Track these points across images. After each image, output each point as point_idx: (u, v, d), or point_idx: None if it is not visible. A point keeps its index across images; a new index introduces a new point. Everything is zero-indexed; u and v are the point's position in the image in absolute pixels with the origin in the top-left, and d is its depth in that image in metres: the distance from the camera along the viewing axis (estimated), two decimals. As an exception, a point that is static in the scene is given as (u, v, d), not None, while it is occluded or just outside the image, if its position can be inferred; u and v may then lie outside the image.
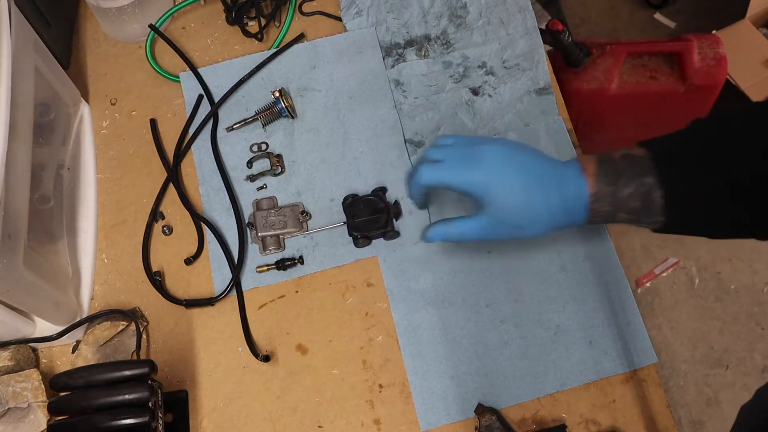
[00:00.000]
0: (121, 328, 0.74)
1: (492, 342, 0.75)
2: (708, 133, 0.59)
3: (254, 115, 0.85)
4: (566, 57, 1.31)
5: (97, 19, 0.91)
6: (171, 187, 0.82)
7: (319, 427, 0.72)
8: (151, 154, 0.85)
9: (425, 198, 0.75)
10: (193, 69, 0.88)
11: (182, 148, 0.84)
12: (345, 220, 0.79)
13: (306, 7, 0.93)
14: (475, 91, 0.87)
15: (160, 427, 0.64)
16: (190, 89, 0.87)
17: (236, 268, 0.77)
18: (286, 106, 0.83)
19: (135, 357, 0.72)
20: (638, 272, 1.60)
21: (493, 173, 0.61)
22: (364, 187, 0.82)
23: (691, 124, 0.61)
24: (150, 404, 0.62)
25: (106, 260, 0.80)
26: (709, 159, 0.57)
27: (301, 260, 0.78)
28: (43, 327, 0.73)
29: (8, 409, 0.68)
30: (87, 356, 0.73)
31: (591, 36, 1.85)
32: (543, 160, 0.64)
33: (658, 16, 1.87)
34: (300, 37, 0.90)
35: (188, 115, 0.86)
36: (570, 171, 0.62)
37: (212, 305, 0.77)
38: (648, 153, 0.60)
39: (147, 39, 0.90)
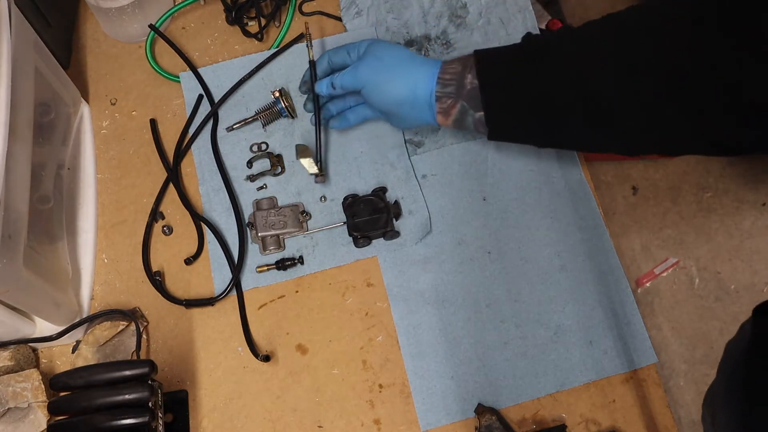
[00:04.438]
0: (121, 328, 0.74)
1: (492, 342, 0.75)
2: (533, 48, 0.65)
3: (254, 115, 0.84)
4: (566, 57, 1.31)
5: (97, 19, 0.91)
6: (171, 187, 0.82)
7: (319, 427, 0.72)
8: (151, 154, 0.84)
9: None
10: (193, 69, 0.88)
11: (182, 148, 0.84)
12: (345, 220, 0.79)
13: (306, 7, 0.93)
14: (475, 91, 0.87)
15: (160, 427, 0.64)
16: (190, 89, 0.87)
17: (236, 268, 0.77)
18: (286, 106, 0.83)
19: (135, 357, 0.72)
20: (638, 272, 1.59)
21: (365, 73, 0.72)
22: (364, 187, 0.82)
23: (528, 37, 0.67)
24: (150, 404, 0.62)
25: (106, 260, 0.80)
26: (523, 72, 0.64)
27: (301, 260, 0.78)
28: (43, 327, 0.73)
29: (8, 409, 0.68)
30: (87, 356, 0.73)
31: (591, 36, 1.85)
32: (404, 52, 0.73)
33: (658, 16, 1.88)
34: (300, 37, 0.90)
35: (188, 115, 0.86)
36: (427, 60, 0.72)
37: (212, 305, 0.77)
38: (475, 56, 0.67)
39: (147, 39, 0.89)
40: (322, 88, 0.76)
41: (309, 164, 0.77)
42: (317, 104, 0.78)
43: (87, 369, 0.63)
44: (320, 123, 0.78)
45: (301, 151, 0.77)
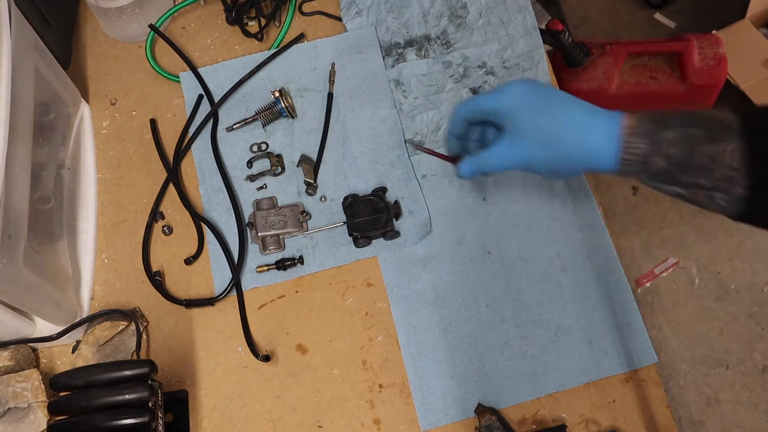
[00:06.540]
0: (121, 328, 0.74)
1: (492, 342, 0.75)
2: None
3: (254, 115, 0.85)
4: (566, 57, 1.31)
5: (97, 19, 0.91)
6: (171, 187, 0.82)
7: (319, 427, 0.72)
8: (151, 154, 0.85)
9: (460, 143, 0.70)
10: (193, 69, 0.88)
11: (182, 148, 0.84)
12: (345, 220, 0.79)
13: (306, 7, 0.93)
14: (475, 91, 0.87)
15: (160, 427, 0.64)
16: (190, 89, 0.87)
17: (236, 268, 0.77)
18: (286, 106, 0.83)
19: (135, 357, 0.72)
20: (638, 272, 1.60)
21: (516, 95, 0.61)
22: (364, 187, 0.82)
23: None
24: (150, 404, 0.62)
25: (106, 260, 0.80)
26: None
27: (301, 260, 0.78)
28: (43, 327, 0.73)
29: (8, 409, 0.68)
30: (87, 356, 0.73)
31: (591, 36, 1.85)
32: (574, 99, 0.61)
33: (658, 16, 1.87)
34: (300, 37, 0.90)
35: (188, 115, 0.86)
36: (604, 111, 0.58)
37: (212, 305, 0.77)
38: (718, 112, 0.55)
39: (147, 39, 0.90)
40: (465, 171, 0.65)
41: (307, 171, 0.79)
42: (328, 114, 0.76)
43: (87, 369, 0.63)
44: (326, 138, 0.77)
45: (305, 160, 0.80)
